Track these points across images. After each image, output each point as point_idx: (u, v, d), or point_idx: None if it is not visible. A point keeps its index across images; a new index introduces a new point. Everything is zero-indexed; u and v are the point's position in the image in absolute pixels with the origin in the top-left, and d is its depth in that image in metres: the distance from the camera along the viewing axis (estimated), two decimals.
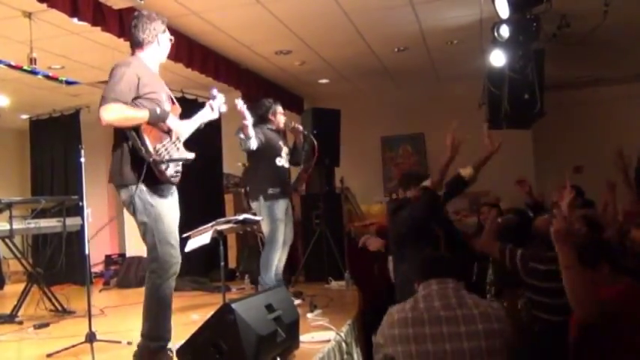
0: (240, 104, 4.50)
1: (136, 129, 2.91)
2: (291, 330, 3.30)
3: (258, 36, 6.08)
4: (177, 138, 3.14)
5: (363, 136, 8.98)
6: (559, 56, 6.41)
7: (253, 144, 4.76)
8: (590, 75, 8.34)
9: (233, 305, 2.91)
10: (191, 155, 3.18)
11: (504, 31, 5.06)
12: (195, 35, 5.87)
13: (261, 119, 5.18)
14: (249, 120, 4.61)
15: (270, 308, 3.15)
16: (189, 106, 7.68)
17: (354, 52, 6.87)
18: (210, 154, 7.65)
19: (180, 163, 3.11)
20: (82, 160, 3.86)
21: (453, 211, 7.35)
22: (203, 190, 7.50)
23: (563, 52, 6.42)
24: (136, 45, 3.15)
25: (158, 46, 3.17)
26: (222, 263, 4.14)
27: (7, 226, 5.12)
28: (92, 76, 6.89)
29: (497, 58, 5.52)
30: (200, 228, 4.09)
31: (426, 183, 3.68)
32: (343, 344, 3.87)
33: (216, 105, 3.52)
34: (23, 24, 4.92)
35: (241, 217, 4.38)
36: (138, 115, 2.92)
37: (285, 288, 4.13)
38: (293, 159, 5.34)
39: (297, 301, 5.14)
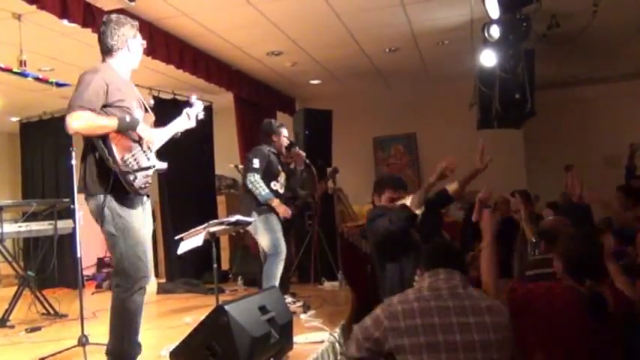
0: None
1: (104, 138, 2.78)
2: (285, 331, 3.31)
3: (249, 37, 6.07)
4: (149, 147, 3.01)
5: (354, 137, 8.99)
6: (549, 56, 6.45)
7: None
8: (580, 74, 8.39)
9: (226, 307, 2.90)
10: (163, 165, 3.06)
11: (495, 31, 5.08)
12: (187, 37, 5.85)
13: (264, 139, 5.18)
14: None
15: (263, 310, 3.15)
16: (180, 108, 7.74)
17: (346, 53, 6.88)
18: (202, 156, 7.64)
19: (151, 173, 2.97)
20: (74, 162, 3.84)
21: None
22: (195, 191, 7.49)
23: (554, 51, 6.46)
24: (105, 52, 3.02)
25: (128, 51, 3.03)
26: (215, 265, 4.13)
27: None
28: None
29: (488, 58, 5.55)
30: (192, 230, 4.08)
31: (407, 200, 3.58)
32: (337, 345, 3.88)
33: (193, 113, 3.40)
34: (13, 26, 4.89)
35: (234, 218, 4.37)
36: (106, 123, 2.79)
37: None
38: (289, 184, 5.27)
39: (299, 303, 5.15)
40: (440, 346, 2.23)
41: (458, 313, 2.29)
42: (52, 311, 5.40)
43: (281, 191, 5.11)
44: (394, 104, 8.97)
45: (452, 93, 8.40)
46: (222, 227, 4.30)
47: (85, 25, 4.51)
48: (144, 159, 2.94)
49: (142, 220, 3.00)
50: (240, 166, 6.46)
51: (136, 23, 3.11)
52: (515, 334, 2.34)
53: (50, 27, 5.07)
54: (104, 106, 2.85)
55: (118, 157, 2.79)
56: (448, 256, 2.53)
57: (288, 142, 5.30)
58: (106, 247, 3.00)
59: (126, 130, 2.87)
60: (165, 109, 7.40)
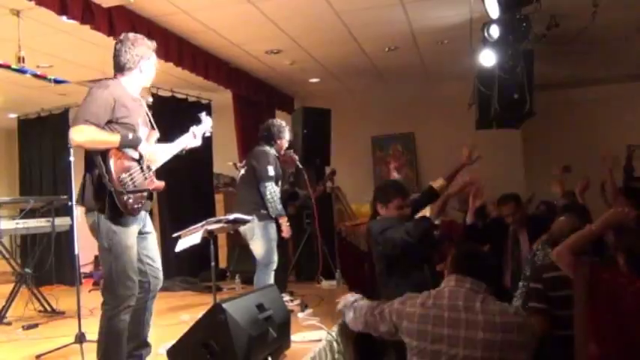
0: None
1: (103, 154, 2.79)
2: (282, 330, 3.30)
3: (248, 35, 6.07)
4: (148, 166, 3.02)
5: (353, 136, 8.99)
6: (548, 56, 6.45)
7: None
8: (579, 75, 8.40)
9: (224, 305, 2.90)
10: (160, 184, 3.09)
11: (494, 31, 5.08)
12: (186, 34, 5.84)
13: (267, 140, 5.06)
14: None
15: (261, 308, 3.15)
16: (178, 106, 7.77)
17: (345, 52, 6.87)
18: (201, 154, 7.60)
19: (146, 194, 2.99)
20: (72, 159, 3.83)
21: None
22: (194, 189, 7.48)
23: (553, 52, 6.46)
24: (117, 69, 3.04)
25: (140, 73, 3.04)
26: (213, 263, 4.12)
27: None
28: (81, 74, 6.84)
29: (487, 58, 5.54)
30: (190, 228, 4.08)
31: (427, 212, 3.61)
32: (334, 344, 3.87)
33: (199, 131, 3.42)
34: (11, 22, 4.88)
35: (232, 216, 4.36)
36: (109, 139, 2.80)
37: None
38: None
39: (296, 301, 5.15)
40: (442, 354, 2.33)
41: (467, 327, 2.35)
42: (49, 308, 5.39)
43: (278, 195, 5.02)
44: (393, 103, 8.97)
45: (451, 93, 8.40)
46: (221, 225, 4.29)
47: (84, 21, 4.50)
48: (141, 178, 2.94)
49: (135, 238, 2.98)
50: (239, 164, 6.45)
51: (153, 44, 3.11)
52: (587, 315, 2.41)
53: (49, 23, 5.05)
54: (109, 122, 2.85)
55: (114, 175, 2.79)
56: (480, 267, 2.56)
57: (288, 144, 5.24)
58: (100, 260, 3.00)
59: (127, 147, 2.89)
60: (163, 107, 7.44)
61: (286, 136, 5.14)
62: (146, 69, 3.06)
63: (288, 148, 5.34)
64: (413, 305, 2.52)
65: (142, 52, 3.03)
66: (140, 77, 3.06)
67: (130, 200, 2.84)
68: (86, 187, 2.88)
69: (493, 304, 2.44)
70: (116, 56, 3.02)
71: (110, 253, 2.87)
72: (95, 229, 2.90)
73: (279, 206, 4.84)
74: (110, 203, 2.80)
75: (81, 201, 2.94)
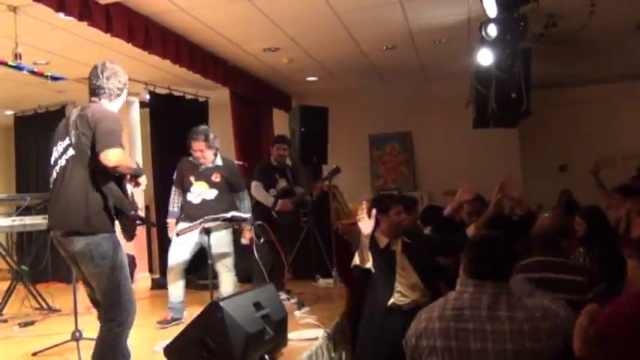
0: None
1: (120, 178, 2.91)
2: (279, 328, 3.31)
3: (246, 33, 6.06)
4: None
5: (350, 134, 9.00)
6: (546, 56, 6.46)
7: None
8: (576, 74, 8.41)
9: (221, 303, 2.91)
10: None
11: (492, 30, 5.08)
12: (184, 32, 5.83)
13: None
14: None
15: (258, 306, 3.16)
16: (175, 103, 7.74)
17: (343, 50, 6.87)
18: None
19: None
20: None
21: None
22: None
23: (550, 51, 6.47)
24: (105, 96, 3.03)
25: (122, 101, 3.13)
26: (210, 261, 4.13)
27: None
28: (78, 72, 6.80)
29: (485, 57, 5.55)
30: (187, 225, 4.08)
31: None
32: (331, 342, 3.88)
33: None
34: (8, 18, 4.86)
35: (229, 214, 4.37)
36: (132, 166, 2.94)
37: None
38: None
39: (293, 300, 5.15)
40: None
41: (495, 340, 2.13)
42: (45, 306, 5.39)
43: (195, 202, 4.70)
44: (390, 102, 8.97)
45: (448, 92, 8.41)
46: (217, 223, 4.30)
47: (81, 18, 4.49)
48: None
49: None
50: (236, 162, 6.45)
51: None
52: None
53: (46, 20, 5.04)
54: None
55: (131, 197, 2.97)
56: (498, 268, 2.27)
57: (201, 154, 4.67)
58: (95, 284, 2.91)
59: (138, 175, 3.00)
60: (160, 105, 7.43)
61: (193, 145, 4.66)
62: (124, 96, 3.15)
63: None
64: (430, 320, 2.25)
65: (125, 80, 3.11)
66: (119, 105, 3.12)
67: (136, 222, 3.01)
68: (93, 208, 2.82)
69: (520, 308, 2.20)
70: (103, 84, 3.00)
71: (117, 271, 2.86)
72: (90, 252, 2.82)
73: (170, 209, 4.83)
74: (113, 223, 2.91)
75: (82, 222, 2.81)
